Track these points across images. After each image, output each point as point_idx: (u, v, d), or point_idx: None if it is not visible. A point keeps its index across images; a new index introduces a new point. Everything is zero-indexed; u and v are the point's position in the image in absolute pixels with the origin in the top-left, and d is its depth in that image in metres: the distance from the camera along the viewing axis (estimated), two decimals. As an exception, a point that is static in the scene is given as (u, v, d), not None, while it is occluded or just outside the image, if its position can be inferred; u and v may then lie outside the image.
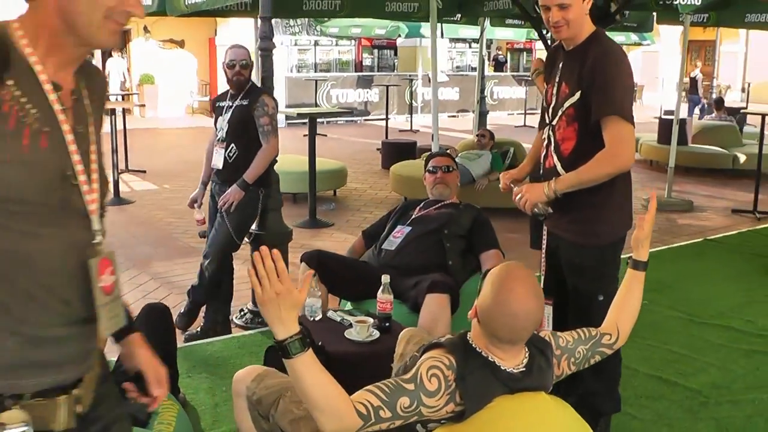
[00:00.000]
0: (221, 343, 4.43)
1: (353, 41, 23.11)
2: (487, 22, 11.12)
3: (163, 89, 19.16)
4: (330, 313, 3.52)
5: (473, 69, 22.29)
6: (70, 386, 1.47)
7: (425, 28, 16.54)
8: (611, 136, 2.81)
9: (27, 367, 1.38)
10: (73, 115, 1.40)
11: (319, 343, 3.17)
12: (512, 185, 3.26)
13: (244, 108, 4.60)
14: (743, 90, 22.83)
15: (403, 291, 3.75)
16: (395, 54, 23.65)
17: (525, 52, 26.11)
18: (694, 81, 17.76)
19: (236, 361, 4.11)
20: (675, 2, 7.17)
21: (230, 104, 4.68)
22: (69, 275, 1.40)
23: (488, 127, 9.86)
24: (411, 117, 17.72)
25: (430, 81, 20.61)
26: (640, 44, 19.28)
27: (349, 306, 3.94)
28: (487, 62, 20.14)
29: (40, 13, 1.35)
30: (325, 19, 15.48)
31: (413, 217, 4.18)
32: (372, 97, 19.27)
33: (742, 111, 10.50)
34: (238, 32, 18.05)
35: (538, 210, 2.99)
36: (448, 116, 20.21)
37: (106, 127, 10.41)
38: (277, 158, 4.76)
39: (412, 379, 2.00)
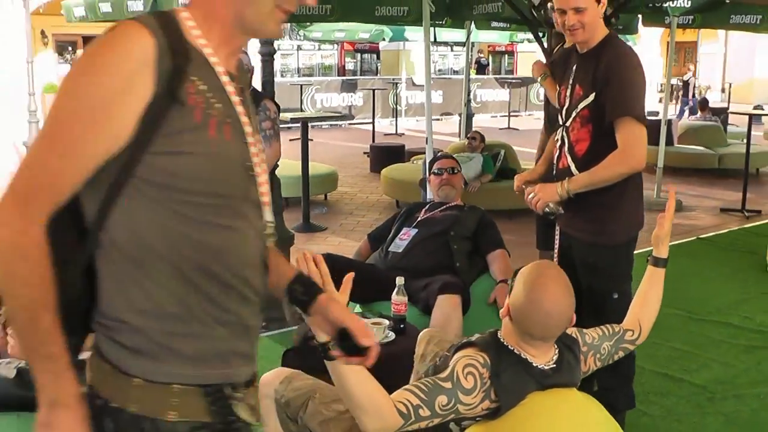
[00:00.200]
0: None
1: (336, 45, 23.16)
2: (473, 25, 11.17)
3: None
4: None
5: (455, 72, 22.42)
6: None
7: (409, 31, 16.63)
8: (624, 137, 2.85)
9: (235, 356, 1.38)
10: (242, 105, 1.39)
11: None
12: (524, 186, 3.30)
13: (246, 113, 4.60)
14: (723, 90, 23.13)
15: (413, 293, 3.76)
16: (378, 58, 23.72)
17: (506, 55, 26.27)
18: (686, 84, 17.92)
19: (246, 365, 4.11)
20: (665, 5, 7.26)
21: (232, 109, 4.68)
22: (257, 266, 1.41)
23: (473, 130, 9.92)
24: (396, 120, 17.76)
25: (414, 84, 20.70)
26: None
27: (358, 309, 3.96)
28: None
29: (210, 4, 1.33)
30: (308, 23, 15.50)
31: (419, 219, 4.21)
32: (356, 101, 19.28)
33: (730, 112, 10.63)
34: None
35: (550, 209, 3.03)
36: (432, 119, 20.23)
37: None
38: (278, 162, 4.78)
39: (449, 377, 2.03)
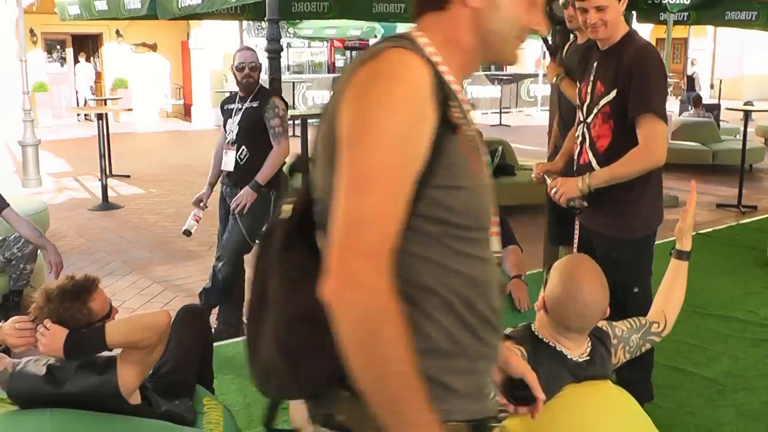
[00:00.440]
0: (241, 345, 4.41)
1: (325, 43, 23.13)
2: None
3: (137, 93, 18.98)
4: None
5: (446, 69, 22.43)
6: None
7: (402, 28, 16.63)
8: (645, 133, 2.88)
9: (488, 389, 1.34)
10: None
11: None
12: (546, 176, 3.33)
13: (255, 110, 4.61)
14: (712, 86, 23.26)
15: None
16: (368, 55, 23.70)
17: (496, 52, 26.30)
18: (691, 79, 17.99)
19: (260, 361, 4.12)
20: (663, 1, 7.30)
21: (240, 106, 4.69)
22: (499, 297, 1.36)
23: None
24: (388, 118, 17.76)
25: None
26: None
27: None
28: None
29: (451, 29, 1.28)
30: (297, 21, 15.47)
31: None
32: (347, 98, 19.26)
33: (727, 108, 10.70)
34: (212, 35, 18.01)
35: (574, 203, 3.06)
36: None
37: (93, 131, 10.37)
38: (286, 160, 4.79)
39: (488, 370, 2.05)
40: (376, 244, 1.11)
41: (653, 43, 3.34)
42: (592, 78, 3.06)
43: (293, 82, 18.28)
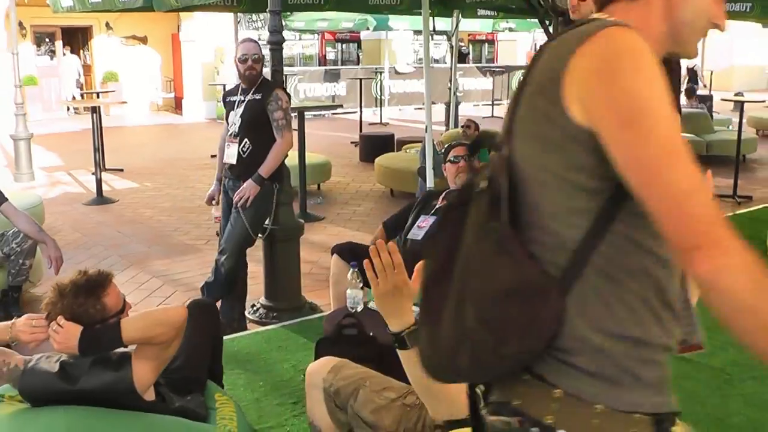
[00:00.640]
0: (246, 339, 4.40)
1: (316, 35, 23.07)
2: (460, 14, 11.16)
3: (127, 86, 18.85)
4: (371, 304, 3.52)
5: (436, 61, 22.39)
6: None
7: (393, 20, 16.59)
8: None
9: (668, 383, 1.30)
10: None
11: (371, 334, 3.18)
12: None
13: (257, 102, 4.57)
14: (702, 77, 23.30)
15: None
16: (359, 47, 23.65)
17: (487, 44, 26.32)
18: (692, 71, 18.02)
19: (266, 355, 4.10)
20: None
21: (242, 99, 4.65)
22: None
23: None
24: (381, 110, 17.73)
25: (396, 73, 20.64)
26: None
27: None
28: (449, 54, 20.25)
29: (643, 18, 1.26)
30: (289, 13, 15.39)
31: (437, 206, 4.21)
32: (339, 90, 19.23)
33: (723, 99, 10.73)
34: (203, 28, 17.91)
35: None
36: (415, 108, 20.28)
37: (87, 124, 10.25)
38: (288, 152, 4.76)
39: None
40: (713, 208, 1.09)
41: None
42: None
43: (285, 75, 18.18)
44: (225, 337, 4.44)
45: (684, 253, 1.09)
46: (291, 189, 5.07)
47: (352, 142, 13.44)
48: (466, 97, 21.09)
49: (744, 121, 13.65)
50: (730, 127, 12.44)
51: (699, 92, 13.94)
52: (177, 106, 19.83)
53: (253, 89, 4.61)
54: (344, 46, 24.36)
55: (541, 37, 23.71)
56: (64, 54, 18.65)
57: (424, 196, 4.42)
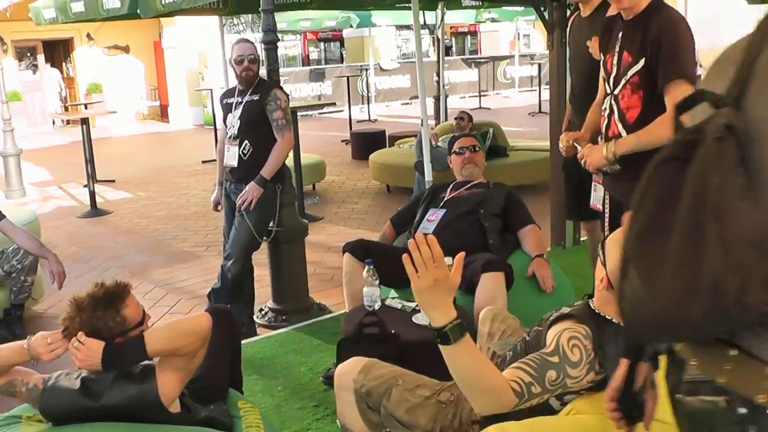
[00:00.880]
0: (259, 344, 4.33)
1: (298, 36, 22.94)
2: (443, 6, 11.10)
3: (111, 97, 18.69)
4: (389, 301, 3.47)
5: (421, 55, 22.34)
6: None
7: (376, 17, 16.49)
8: (674, 99, 2.81)
9: None
10: None
11: (392, 332, 3.13)
12: (575, 144, 3.28)
13: (256, 103, 4.49)
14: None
15: (451, 273, 3.71)
16: (342, 45, 23.54)
17: (469, 36, 26.26)
18: None
19: (282, 359, 4.03)
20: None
21: (239, 100, 4.57)
22: None
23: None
24: (369, 107, 17.66)
25: (382, 69, 20.55)
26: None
27: (393, 293, 3.89)
28: (432, 47, 20.20)
29: None
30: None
31: (445, 199, 4.15)
32: (325, 90, 19.14)
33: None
34: (185, 33, 17.77)
35: (606, 170, 3.01)
36: (402, 104, 20.23)
37: (74, 137, 10.11)
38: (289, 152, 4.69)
39: (555, 351, 1.98)
40: None
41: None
42: (617, 49, 2.98)
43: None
44: (238, 343, 4.39)
45: None
46: (293, 189, 5.00)
47: (342, 141, 13.37)
48: (452, 90, 21.04)
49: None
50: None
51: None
52: (163, 114, 19.69)
53: (251, 90, 4.54)
54: (327, 45, 24.23)
55: (523, 27, 23.70)
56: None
57: (431, 190, 4.36)
